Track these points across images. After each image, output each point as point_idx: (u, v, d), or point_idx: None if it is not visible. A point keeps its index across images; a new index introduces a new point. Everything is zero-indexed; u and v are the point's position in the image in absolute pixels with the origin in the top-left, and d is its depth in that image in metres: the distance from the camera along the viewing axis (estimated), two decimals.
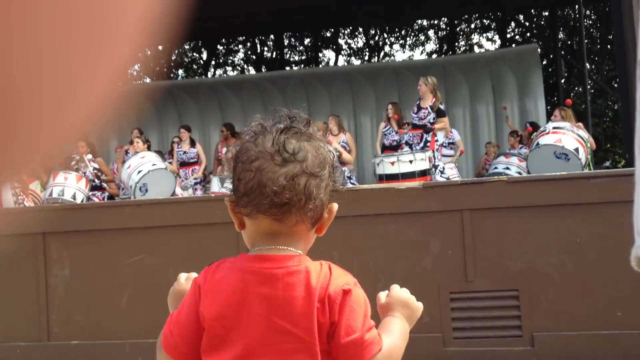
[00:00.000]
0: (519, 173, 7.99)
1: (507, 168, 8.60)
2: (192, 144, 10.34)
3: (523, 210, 4.29)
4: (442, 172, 7.59)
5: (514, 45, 20.44)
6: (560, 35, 19.91)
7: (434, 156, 7.54)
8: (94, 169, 8.88)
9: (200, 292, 1.16)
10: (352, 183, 8.33)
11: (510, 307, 4.22)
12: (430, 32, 24.74)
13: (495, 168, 8.97)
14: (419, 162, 7.25)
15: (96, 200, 8.61)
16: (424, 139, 7.82)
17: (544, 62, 19.10)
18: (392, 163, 7.22)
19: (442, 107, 7.87)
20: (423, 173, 7.29)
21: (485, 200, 4.34)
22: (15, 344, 4.93)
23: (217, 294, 1.15)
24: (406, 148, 7.90)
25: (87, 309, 4.82)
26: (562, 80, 17.98)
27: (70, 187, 7.73)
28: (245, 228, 1.23)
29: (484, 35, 24.37)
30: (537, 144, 6.77)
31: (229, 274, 1.17)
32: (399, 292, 1.33)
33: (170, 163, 9.55)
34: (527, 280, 4.20)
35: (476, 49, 23.81)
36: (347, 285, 1.20)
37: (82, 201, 7.69)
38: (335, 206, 1.27)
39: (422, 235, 4.42)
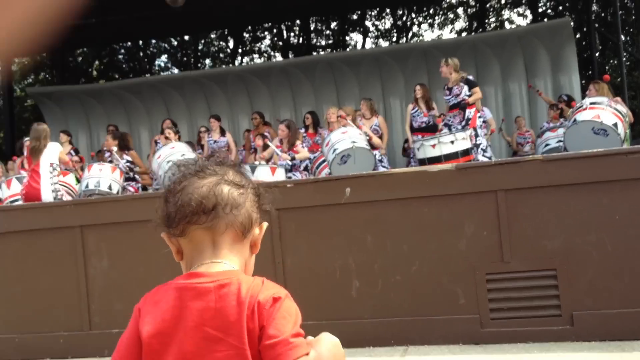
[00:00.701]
0: None
1: (560, 140, 8.41)
2: (222, 133, 10.39)
3: (560, 189, 4.22)
4: (484, 151, 7.40)
5: (546, 19, 20.03)
6: (594, 8, 19.42)
7: (475, 134, 7.39)
8: (127, 161, 8.98)
9: (140, 315, 1.22)
10: (383, 167, 8.28)
11: (548, 286, 4.16)
12: (460, 10, 24.38)
13: (547, 145, 8.75)
14: (460, 142, 7.13)
15: (131, 189, 8.73)
16: (465, 117, 7.66)
17: (577, 36, 18.69)
18: (433, 146, 7.13)
19: (470, 77, 7.74)
20: (466, 152, 7.17)
21: (520, 180, 4.28)
22: (58, 334, 5.06)
23: (154, 313, 1.21)
24: (445, 130, 7.78)
25: (126, 298, 4.89)
26: (597, 54, 17.58)
27: (106, 178, 7.83)
28: (183, 254, 1.30)
29: (515, 10, 23.91)
30: (575, 120, 6.60)
31: (166, 294, 1.23)
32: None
33: (200, 153, 9.60)
34: (565, 259, 4.13)
35: (507, 25, 23.41)
36: (277, 294, 1.22)
37: (117, 192, 7.80)
38: (265, 224, 1.36)
39: (456, 217, 4.37)
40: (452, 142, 7.02)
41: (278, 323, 1.18)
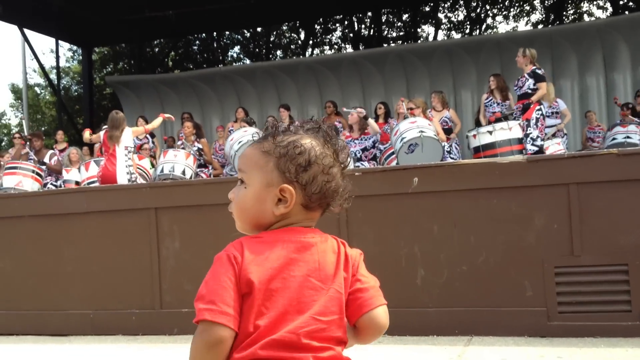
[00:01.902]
0: None
1: (628, 137, 8.20)
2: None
3: (634, 184, 4.11)
4: (534, 140, 7.33)
5: (627, 12, 19.29)
6: None
7: (527, 124, 7.33)
8: (198, 149, 9.25)
9: (242, 262, 1.26)
10: (452, 158, 8.23)
11: (619, 281, 4.07)
12: (536, 2, 23.75)
13: (614, 139, 8.57)
14: (515, 130, 7.13)
15: (203, 176, 8.99)
16: (523, 107, 7.61)
17: None
18: (490, 132, 7.13)
19: (539, 71, 7.57)
20: (519, 141, 7.18)
21: (593, 173, 4.19)
22: (131, 311, 5.26)
23: (262, 261, 1.27)
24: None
25: (196, 279, 5.02)
26: None
27: (180, 163, 8.11)
28: (282, 210, 1.34)
29: (595, 2, 23.12)
30: None
31: (269, 245, 1.30)
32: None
33: None
34: (638, 254, 4.03)
35: (586, 18, 22.67)
36: (360, 251, 1.43)
37: (190, 177, 8.06)
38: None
39: (525, 209, 4.33)
40: (506, 129, 7.05)
41: (366, 273, 1.40)
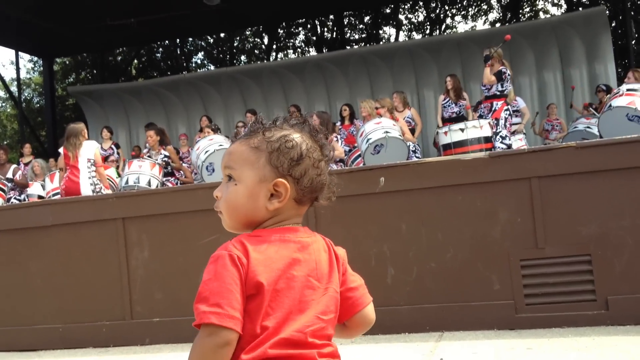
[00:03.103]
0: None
1: (589, 127, 8.43)
2: None
3: (594, 175, 4.23)
4: (503, 139, 7.49)
5: (580, 8, 19.72)
6: None
7: (496, 123, 7.47)
8: (165, 156, 9.18)
9: (248, 263, 1.25)
10: (417, 157, 8.33)
11: (583, 271, 4.18)
12: (493, 1, 24.15)
13: (576, 127, 8.84)
14: (486, 128, 7.26)
15: (169, 185, 8.92)
16: (492, 108, 7.75)
17: (613, 24, 18.35)
18: (462, 130, 7.25)
19: (503, 69, 7.73)
20: (488, 140, 7.30)
21: (554, 167, 4.29)
22: (101, 323, 5.20)
23: (268, 262, 1.27)
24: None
25: (167, 288, 5.05)
26: (633, 42, 17.23)
27: (145, 174, 8.04)
28: (276, 205, 1.34)
29: (549, 0, 23.60)
30: (610, 106, 6.57)
31: (273, 245, 1.30)
32: None
33: None
34: (600, 244, 4.15)
35: (541, 15, 23.10)
36: (343, 250, 1.47)
37: (156, 187, 7.99)
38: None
39: (489, 204, 4.41)
40: (478, 127, 7.17)
41: (353, 272, 1.46)
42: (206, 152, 7.97)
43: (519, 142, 8.60)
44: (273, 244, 1.30)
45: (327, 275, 1.35)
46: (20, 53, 17.73)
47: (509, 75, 7.79)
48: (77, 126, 7.40)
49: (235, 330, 1.21)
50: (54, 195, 7.96)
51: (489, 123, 7.46)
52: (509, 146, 7.50)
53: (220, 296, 1.21)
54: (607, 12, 13.99)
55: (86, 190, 7.11)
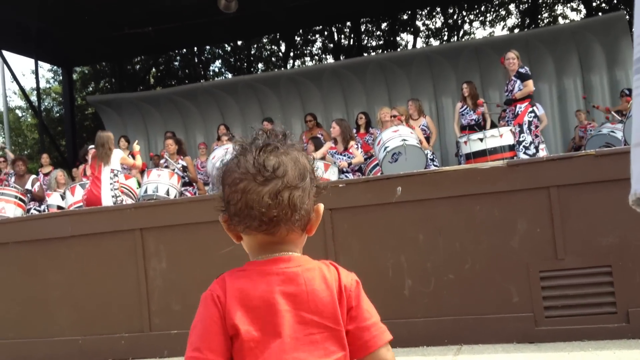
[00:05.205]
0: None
1: (612, 132, 8.33)
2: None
3: (613, 184, 4.15)
4: (526, 148, 7.29)
5: (600, 13, 19.53)
6: None
7: (520, 130, 7.32)
8: (182, 166, 9.22)
9: (225, 303, 1.21)
10: (435, 165, 8.27)
11: (603, 283, 4.11)
12: (511, 6, 24.02)
13: (600, 131, 8.75)
14: (505, 137, 7.13)
15: (188, 195, 8.95)
16: (515, 112, 7.60)
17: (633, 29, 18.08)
18: (481, 140, 7.16)
19: (522, 70, 7.60)
20: (511, 148, 7.17)
21: (573, 175, 4.23)
22: (120, 335, 5.21)
23: (244, 301, 1.21)
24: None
25: (185, 300, 5.04)
26: None
27: (164, 183, 8.08)
28: (244, 240, 1.32)
29: (568, 5, 23.40)
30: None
31: (251, 280, 1.23)
32: None
33: None
34: (620, 255, 4.07)
35: (560, 20, 22.93)
36: (356, 278, 1.30)
37: (175, 197, 8.02)
38: (321, 207, 1.32)
39: (508, 214, 4.36)
40: (497, 136, 7.04)
41: (368, 306, 1.28)
42: (222, 161, 7.96)
43: (541, 152, 8.46)
44: (251, 279, 1.24)
45: (325, 309, 1.23)
46: (39, 62, 17.93)
47: (527, 69, 7.66)
48: (104, 135, 7.46)
49: None
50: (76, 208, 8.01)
51: (511, 130, 7.33)
52: (533, 155, 7.32)
53: (200, 340, 1.20)
54: (627, 16, 13.82)
55: (107, 201, 7.15)
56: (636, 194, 1.13)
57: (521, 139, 7.28)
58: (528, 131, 7.32)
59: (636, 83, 1.13)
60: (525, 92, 7.45)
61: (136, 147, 8.28)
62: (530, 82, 7.49)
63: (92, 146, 7.64)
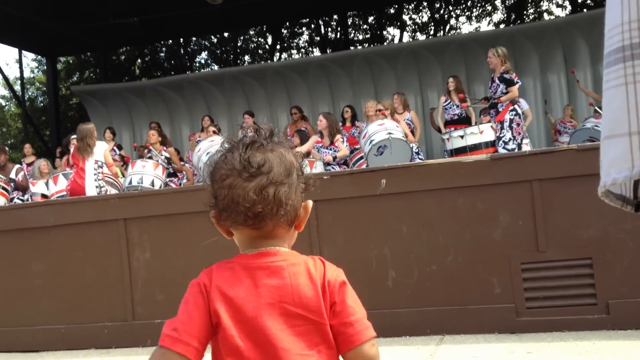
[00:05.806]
0: None
1: (596, 126, 8.41)
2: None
3: (595, 178, 4.14)
4: (505, 144, 7.35)
5: (585, 10, 19.68)
6: None
7: (500, 127, 7.39)
8: (165, 157, 9.19)
9: (209, 291, 1.24)
10: (420, 159, 8.32)
11: (583, 275, 4.17)
12: (497, 2, 24.11)
13: (584, 126, 8.86)
14: (485, 133, 7.20)
15: (173, 186, 8.93)
16: (497, 110, 7.66)
17: None
18: (461, 137, 7.21)
19: (506, 76, 7.62)
20: (491, 144, 7.25)
21: (555, 169, 4.29)
22: (103, 324, 5.21)
23: (229, 291, 1.24)
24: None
25: (168, 289, 5.05)
26: None
27: (148, 174, 8.05)
28: (234, 235, 1.34)
29: (554, 1, 23.55)
30: None
31: (236, 272, 1.27)
32: None
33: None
34: (601, 248, 4.14)
35: (545, 16, 23.06)
36: (342, 274, 1.32)
37: (160, 187, 7.99)
38: (310, 203, 1.36)
39: (491, 207, 4.41)
40: (477, 133, 7.10)
41: (353, 302, 1.28)
42: (207, 153, 7.96)
43: (525, 147, 8.52)
44: (236, 271, 1.27)
45: (309, 302, 1.25)
46: (23, 52, 17.76)
47: (512, 75, 7.68)
48: (87, 127, 7.40)
49: (186, 356, 1.20)
50: (58, 198, 7.96)
51: (492, 127, 7.41)
52: (514, 150, 7.36)
53: (180, 322, 1.23)
54: None
55: (91, 192, 7.13)
56: (605, 185, 1.16)
57: (501, 135, 7.35)
58: (509, 128, 7.37)
59: (606, 77, 1.17)
60: (510, 97, 7.48)
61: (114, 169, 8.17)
62: (514, 88, 7.51)
63: (75, 136, 7.59)
